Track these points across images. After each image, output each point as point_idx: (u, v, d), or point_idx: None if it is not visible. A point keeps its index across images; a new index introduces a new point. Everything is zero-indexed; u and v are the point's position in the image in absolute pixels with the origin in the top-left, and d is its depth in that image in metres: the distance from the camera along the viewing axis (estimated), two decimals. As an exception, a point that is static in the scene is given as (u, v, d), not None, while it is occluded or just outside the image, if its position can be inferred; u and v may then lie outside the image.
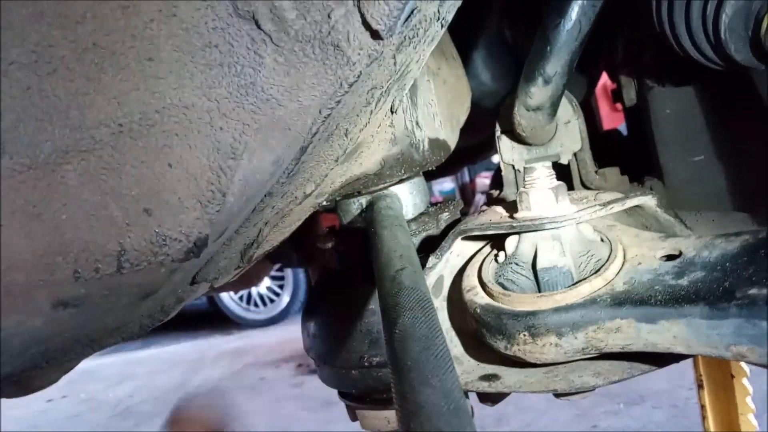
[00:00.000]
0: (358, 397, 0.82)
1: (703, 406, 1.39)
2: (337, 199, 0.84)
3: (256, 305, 6.51)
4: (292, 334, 5.76)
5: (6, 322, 0.45)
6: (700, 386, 1.39)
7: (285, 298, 6.45)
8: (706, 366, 1.39)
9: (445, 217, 0.84)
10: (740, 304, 0.55)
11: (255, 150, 0.50)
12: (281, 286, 6.48)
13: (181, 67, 0.47)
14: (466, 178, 6.99)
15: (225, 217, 0.50)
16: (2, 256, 0.43)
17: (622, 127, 1.30)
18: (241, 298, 6.48)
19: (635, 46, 0.92)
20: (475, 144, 1.70)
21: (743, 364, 1.36)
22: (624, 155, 1.06)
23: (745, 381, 1.36)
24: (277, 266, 5.58)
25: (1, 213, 0.43)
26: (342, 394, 0.85)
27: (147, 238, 0.47)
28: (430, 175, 1.78)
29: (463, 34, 1.04)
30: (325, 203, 0.75)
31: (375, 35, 0.49)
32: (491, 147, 2.09)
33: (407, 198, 0.82)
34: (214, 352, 5.87)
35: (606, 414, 3.09)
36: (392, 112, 0.67)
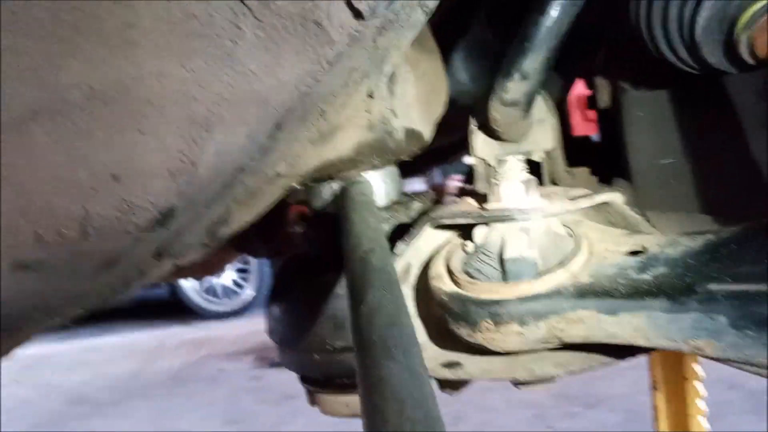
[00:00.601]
0: (320, 381, 0.82)
1: (656, 407, 1.42)
2: (309, 183, 0.83)
3: (218, 297, 6.45)
4: (254, 327, 5.72)
5: (-38, 281, 0.44)
6: (654, 388, 1.42)
7: (249, 292, 6.41)
8: (660, 368, 1.42)
9: (417, 207, 0.84)
10: (700, 299, 0.56)
11: (229, 123, 0.50)
12: (245, 279, 6.43)
13: (160, 36, 0.47)
14: (438, 180, 7.02)
15: (195, 189, 0.50)
16: (-36, 214, 0.42)
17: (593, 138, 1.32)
18: (204, 289, 6.41)
19: (614, 51, 0.94)
20: (448, 143, 1.71)
21: (697, 368, 1.39)
22: (594, 160, 1.07)
23: (696, 383, 1.39)
24: (241, 258, 5.52)
25: (-35, 170, 0.42)
26: (303, 379, 0.85)
27: (113, 205, 0.46)
28: (402, 174, 1.78)
29: (443, 32, 1.05)
30: (296, 186, 0.75)
31: (357, 15, 0.49)
32: (465, 147, 2.10)
33: (380, 186, 0.83)
34: (173, 341, 5.81)
35: (563, 416, 3.14)
36: (370, 97, 0.67)
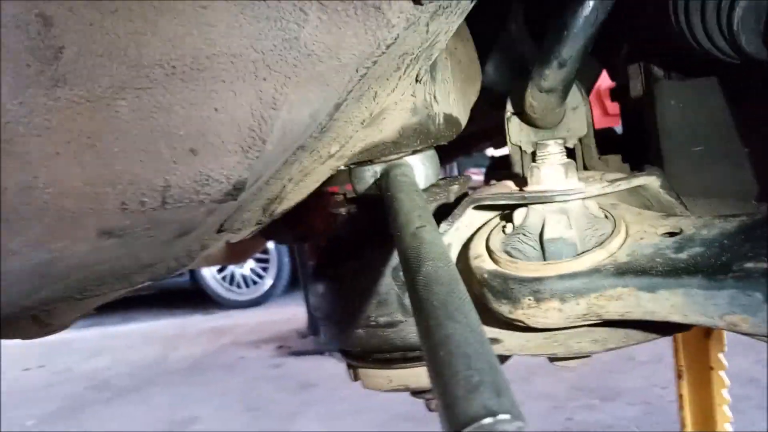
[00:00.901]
0: (362, 356, 0.85)
1: (681, 396, 1.44)
2: (352, 166, 0.86)
3: (238, 286, 6.52)
4: (273, 316, 5.78)
5: (55, 244, 0.47)
6: (679, 376, 1.44)
7: (268, 281, 6.47)
8: (686, 357, 1.44)
9: (455, 190, 0.87)
10: (736, 277, 0.59)
11: (294, 102, 0.53)
12: (265, 269, 6.49)
13: (232, 18, 0.50)
14: (455, 173, 7.04)
15: (262, 164, 0.53)
16: (56, 181, 0.46)
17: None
18: (224, 278, 6.48)
19: (643, 41, 0.96)
20: (469, 134, 1.73)
21: (721, 357, 1.41)
22: (618, 150, 1.09)
23: (722, 373, 1.41)
24: (262, 248, 5.55)
25: (57, 141, 0.45)
26: (345, 354, 0.88)
27: (191, 177, 0.49)
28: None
29: (472, 25, 1.07)
30: (342, 167, 0.78)
31: (416, 0, 0.52)
32: (485, 138, 2.12)
33: (420, 168, 0.85)
34: (194, 330, 5.88)
35: (581, 408, 3.16)
36: (417, 81, 0.70)
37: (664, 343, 1.20)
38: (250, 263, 6.43)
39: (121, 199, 0.48)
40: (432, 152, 0.89)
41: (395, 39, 0.54)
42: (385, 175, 0.80)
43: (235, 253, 2.07)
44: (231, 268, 6.34)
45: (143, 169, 0.48)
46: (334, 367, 3.97)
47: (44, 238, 0.48)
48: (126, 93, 0.47)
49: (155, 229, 0.51)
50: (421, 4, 0.53)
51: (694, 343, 1.42)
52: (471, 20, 1.02)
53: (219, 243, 0.67)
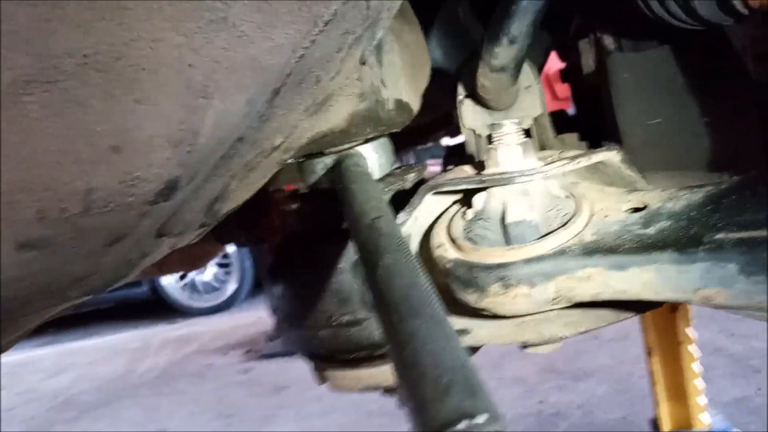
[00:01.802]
0: (328, 358, 0.81)
1: (652, 372, 1.44)
2: (300, 160, 0.82)
3: (201, 293, 6.40)
4: (239, 321, 5.69)
5: (-35, 263, 0.42)
6: (649, 353, 1.43)
7: (231, 286, 6.37)
8: (655, 333, 1.44)
9: (412, 178, 0.83)
10: (708, 249, 0.56)
11: (227, 89, 0.48)
12: (228, 274, 6.38)
13: (150, -1, 0.45)
14: (413, 163, 7.02)
15: (196, 159, 0.49)
16: (-40, 192, 0.40)
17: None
18: (185, 286, 6.35)
19: (594, 13, 0.94)
20: (423, 123, 1.71)
21: (690, 331, 1.41)
22: (573, 130, 1.07)
23: (691, 347, 1.40)
24: (221, 254, 5.48)
25: (-43, 146, 0.40)
26: (310, 356, 0.84)
27: (116, 178, 0.44)
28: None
29: (419, 10, 1.04)
30: (290, 160, 0.74)
31: (352, -29, 0.48)
32: (440, 127, 2.10)
33: (373, 158, 0.82)
34: (158, 340, 5.75)
35: (552, 390, 3.17)
36: (362, 64, 0.66)
37: (630, 321, 1.19)
38: (212, 269, 6.32)
39: (37, 207, 0.43)
40: (385, 140, 0.85)
41: (333, 15, 0.50)
42: (337, 166, 0.76)
43: (192, 260, 2.00)
44: (192, 275, 6.21)
45: (60, 172, 0.43)
46: (304, 368, 3.88)
47: (-47, 256, 0.43)
48: (33, 88, 0.42)
49: (81, 237, 0.46)
50: (359, -24, 0.49)
51: (662, 319, 1.42)
52: (415, 3, 0.99)
53: (161, 249, 0.62)
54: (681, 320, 1.41)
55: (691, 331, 1.40)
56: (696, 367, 1.38)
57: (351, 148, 0.80)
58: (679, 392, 1.39)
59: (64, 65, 0.42)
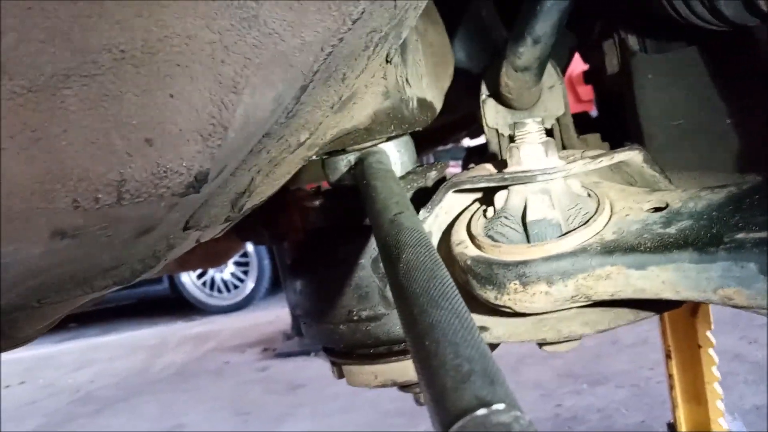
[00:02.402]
0: (346, 353, 0.82)
1: (670, 376, 1.43)
2: (324, 157, 0.83)
3: (219, 291, 6.46)
4: (257, 320, 5.73)
5: (4, 248, 0.43)
6: (668, 356, 1.43)
7: (249, 284, 6.41)
8: (674, 337, 1.43)
9: (433, 176, 0.84)
10: (728, 248, 0.56)
11: (256, 85, 0.50)
12: (246, 272, 6.43)
13: (184, -4, 0.46)
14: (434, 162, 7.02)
15: (225, 152, 0.50)
16: (1, 180, 0.42)
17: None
18: (204, 283, 6.41)
19: (618, 14, 0.94)
20: (445, 123, 1.71)
21: (709, 335, 1.40)
22: (595, 132, 1.08)
23: (711, 351, 1.40)
24: (241, 251, 5.50)
25: (0, 136, 0.42)
26: (329, 351, 0.85)
27: (148, 169, 0.46)
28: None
29: (443, 10, 1.05)
30: (314, 157, 0.75)
31: (380, -30, 0.49)
32: (462, 127, 2.10)
33: (395, 156, 0.83)
34: (177, 337, 5.81)
35: (570, 394, 3.16)
36: (387, 62, 0.67)
37: (649, 325, 1.18)
38: (230, 267, 6.37)
39: (73, 197, 0.44)
40: (407, 138, 0.86)
41: (361, 14, 0.51)
42: (360, 163, 0.77)
43: (213, 257, 2.02)
44: (211, 272, 6.27)
45: (95, 163, 0.44)
46: (321, 366, 3.93)
47: (-8, 242, 0.45)
48: (72, 81, 0.43)
49: (113, 227, 0.47)
50: (386, -25, 0.50)
51: (682, 322, 1.41)
52: (440, 5, 1.00)
53: (187, 242, 0.63)
54: (701, 324, 1.40)
55: (710, 335, 1.39)
56: (715, 370, 1.37)
57: (374, 145, 0.81)
58: (697, 396, 1.39)
59: (102, 60, 0.44)
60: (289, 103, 0.53)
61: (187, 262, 2.10)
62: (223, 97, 0.48)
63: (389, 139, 0.82)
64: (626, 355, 3.43)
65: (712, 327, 1.42)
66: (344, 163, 0.81)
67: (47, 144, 0.43)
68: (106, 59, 0.44)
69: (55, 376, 5.29)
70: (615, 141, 1.04)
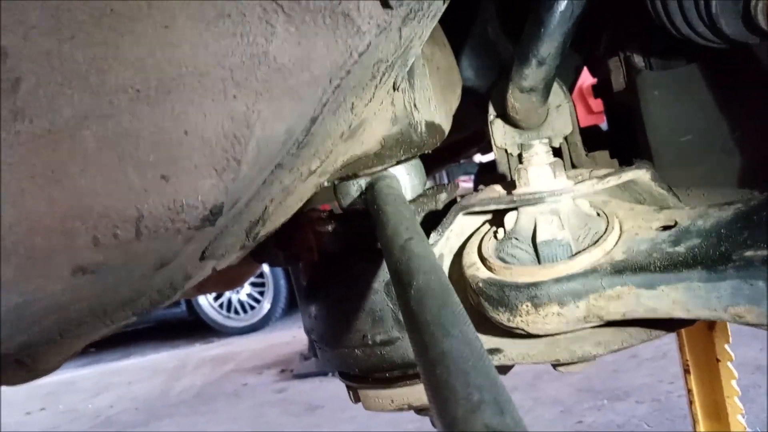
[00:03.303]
0: (361, 377, 0.82)
1: (690, 391, 1.42)
2: (336, 182, 0.85)
3: (236, 312, 6.48)
4: (274, 341, 5.73)
5: (26, 286, 0.45)
6: (686, 371, 1.42)
7: (266, 305, 6.42)
8: (692, 351, 1.42)
9: (443, 198, 0.85)
10: (737, 266, 0.57)
11: (268, 119, 0.51)
12: (261, 293, 6.45)
13: (196, 36, 0.48)
14: (445, 181, 7.03)
15: (239, 185, 0.51)
16: (23, 220, 0.43)
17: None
18: (221, 305, 6.43)
19: (622, 32, 0.95)
20: (456, 141, 1.73)
21: (728, 349, 1.39)
22: (606, 147, 1.08)
23: (730, 364, 1.38)
24: (257, 272, 5.52)
25: (21, 177, 0.43)
26: (344, 376, 0.86)
27: (165, 204, 0.47)
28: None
29: (448, 30, 1.07)
30: (325, 183, 0.76)
31: (385, 4, 0.51)
32: (473, 144, 2.12)
33: (405, 179, 0.84)
34: (195, 360, 5.83)
35: (590, 410, 3.13)
36: (394, 89, 0.68)
37: (668, 338, 1.18)
38: (247, 288, 6.40)
39: (92, 234, 0.46)
40: (417, 162, 0.87)
41: (367, 47, 0.52)
42: (370, 188, 0.78)
43: (230, 280, 2.04)
44: (227, 294, 6.29)
45: (114, 200, 0.46)
46: (338, 387, 3.91)
47: (16, 280, 0.46)
48: (90, 122, 0.45)
49: (132, 262, 0.49)
50: (391, 8, 0.51)
51: (699, 336, 1.40)
52: (446, 24, 1.01)
53: (204, 271, 0.65)
54: (719, 337, 1.39)
55: (729, 349, 1.38)
56: (735, 384, 1.36)
57: (384, 169, 0.82)
58: (718, 410, 1.37)
59: (119, 100, 0.45)
60: (299, 134, 0.54)
61: (204, 286, 2.11)
62: (235, 131, 0.50)
63: (399, 162, 0.83)
64: (646, 369, 3.40)
65: (731, 340, 1.41)
66: (355, 188, 0.82)
67: (67, 183, 0.44)
68: (123, 99, 0.46)
69: (75, 402, 5.32)
70: (625, 155, 1.04)
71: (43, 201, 0.44)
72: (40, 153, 0.44)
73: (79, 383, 5.77)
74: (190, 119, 0.48)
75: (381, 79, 0.61)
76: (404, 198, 0.74)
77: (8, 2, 0.42)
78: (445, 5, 0.63)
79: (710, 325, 1.40)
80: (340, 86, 0.54)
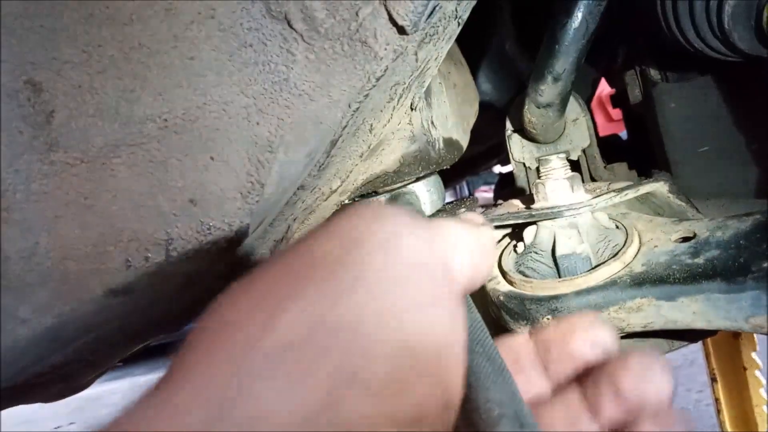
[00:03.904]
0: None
1: (717, 400, 1.41)
2: (356, 199, 0.86)
3: (260, 326, 6.51)
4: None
5: (61, 308, 0.47)
6: (713, 380, 1.41)
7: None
8: (718, 360, 1.41)
9: (462, 212, 0.86)
10: (756, 277, 0.57)
11: (290, 143, 0.53)
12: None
13: (220, 66, 0.50)
14: (466, 192, 7.03)
15: (263, 207, 0.53)
16: (58, 245, 0.45)
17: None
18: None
19: (638, 46, 0.96)
20: (475, 154, 1.74)
21: (755, 357, 1.38)
22: (626, 157, 1.08)
23: (757, 373, 1.37)
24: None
25: (55, 204, 0.45)
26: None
27: (193, 228, 0.49)
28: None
29: (466, 46, 1.08)
30: (346, 201, 0.78)
31: (401, 31, 0.52)
32: (492, 156, 2.13)
33: (425, 195, 0.85)
34: (220, 374, 5.85)
35: (617, 420, 3.09)
36: (412, 109, 0.69)
37: (695, 347, 1.18)
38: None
39: (124, 257, 0.48)
40: (435, 177, 0.88)
41: (384, 71, 0.54)
42: (390, 204, 0.79)
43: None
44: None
45: (144, 224, 0.48)
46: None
47: (51, 302, 0.48)
48: (120, 151, 0.47)
49: (162, 283, 0.50)
50: (407, 34, 0.53)
51: (725, 344, 1.39)
52: (463, 40, 1.03)
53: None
54: (745, 345, 1.38)
55: (756, 357, 1.37)
56: (763, 392, 1.35)
57: (403, 186, 0.83)
58: (746, 420, 1.36)
59: (147, 129, 0.47)
60: (320, 156, 0.56)
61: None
62: (259, 156, 0.51)
63: (418, 179, 0.84)
64: (674, 377, 3.36)
65: (757, 348, 1.39)
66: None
67: (99, 210, 0.46)
68: (151, 128, 0.48)
69: (104, 416, 5.34)
70: (645, 164, 1.04)
71: (77, 227, 0.46)
72: (74, 181, 0.46)
73: (107, 397, 5.82)
74: (215, 145, 0.50)
75: (398, 101, 0.62)
76: (424, 214, 0.75)
77: (43, 40, 0.44)
78: (460, 27, 0.64)
79: (736, 333, 1.39)
80: (359, 109, 0.55)
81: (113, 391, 5.95)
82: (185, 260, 0.50)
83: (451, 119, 0.90)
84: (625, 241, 0.70)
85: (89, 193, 0.46)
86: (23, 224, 0.45)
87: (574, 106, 0.95)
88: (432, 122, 0.81)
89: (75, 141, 0.46)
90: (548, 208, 0.71)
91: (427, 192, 0.86)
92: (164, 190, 0.48)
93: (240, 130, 0.50)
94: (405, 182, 0.82)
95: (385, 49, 0.53)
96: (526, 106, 0.86)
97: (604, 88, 1.48)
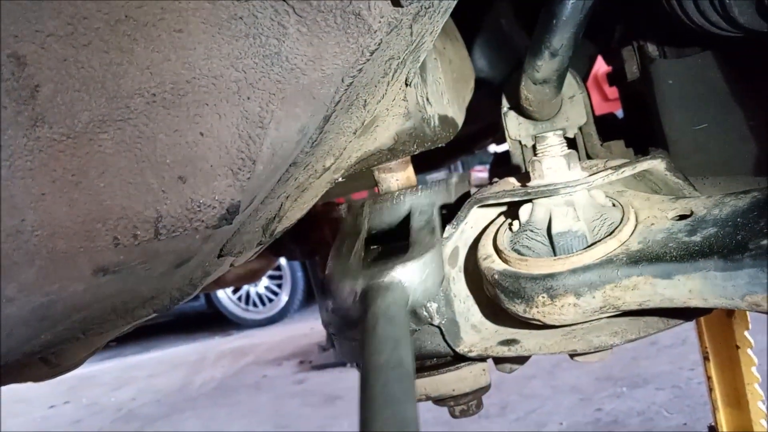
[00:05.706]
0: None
1: (709, 378, 1.41)
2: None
3: (254, 305, 6.53)
4: (292, 332, 5.78)
5: (50, 287, 0.46)
6: (705, 358, 1.41)
7: (284, 297, 6.47)
8: (711, 338, 1.41)
9: (454, 182, 0.85)
10: (754, 255, 0.57)
11: (281, 119, 0.52)
12: (279, 285, 6.49)
13: (209, 39, 0.49)
14: (460, 171, 7.03)
15: (255, 184, 0.52)
16: (45, 223, 0.44)
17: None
18: (239, 298, 6.49)
19: (636, 21, 0.94)
20: (471, 132, 1.72)
21: (748, 336, 1.38)
22: (621, 135, 1.08)
23: (749, 351, 1.38)
24: (275, 265, 5.56)
25: (42, 182, 0.44)
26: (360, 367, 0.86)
27: (182, 205, 0.48)
28: (424, 168, 1.79)
29: (462, 22, 1.06)
30: (340, 179, 0.77)
31: (395, 3, 0.51)
32: (487, 135, 2.12)
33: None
34: (215, 353, 5.88)
35: (610, 397, 3.12)
36: (407, 85, 0.68)
37: (687, 325, 1.18)
38: (264, 281, 6.44)
39: (113, 235, 0.47)
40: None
41: (378, 44, 0.53)
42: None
43: (248, 274, 2.06)
44: (245, 287, 6.34)
45: (132, 201, 0.47)
46: (357, 377, 3.95)
47: (39, 281, 0.47)
48: (107, 126, 0.46)
49: (151, 261, 0.49)
50: (402, 6, 0.51)
51: (718, 323, 1.39)
52: (459, 17, 1.01)
53: (222, 267, 0.66)
54: (738, 324, 1.38)
55: (748, 335, 1.37)
56: (755, 371, 1.35)
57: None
58: (737, 398, 1.37)
59: (135, 104, 0.46)
60: (313, 132, 0.55)
61: (222, 281, 2.14)
62: (250, 132, 0.50)
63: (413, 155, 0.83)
64: (665, 356, 3.39)
65: (750, 327, 1.40)
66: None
67: (87, 187, 0.45)
68: (139, 103, 0.46)
69: (97, 395, 5.39)
70: (641, 143, 1.04)
71: (64, 204, 0.45)
72: (60, 158, 0.44)
73: (100, 377, 5.85)
74: (205, 121, 0.48)
75: (393, 76, 0.61)
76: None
77: (26, 12, 0.42)
78: (456, 1, 0.63)
79: (729, 312, 1.39)
80: (352, 84, 0.54)
81: (106, 371, 5.98)
82: (175, 238, 0.49)
83: (447, 96, 0.89)
84: (622, 219, 0.69)
85: (76, 170, 0.45)
86: (9, 201, 0.43)
87: (571, 83, 0.94)
88: (427, 99, 0.80)
89: (61, 116, 0.44)
90: (544, 186, 0.70)
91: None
92: (153, 166, 0.47)
93: (230, 104, 0.49)
94: (399, 159, 0.81)
95: (379, 21, 0.52)
96: (523, 83, 0.85)
97: (600, 67, 1.47)
